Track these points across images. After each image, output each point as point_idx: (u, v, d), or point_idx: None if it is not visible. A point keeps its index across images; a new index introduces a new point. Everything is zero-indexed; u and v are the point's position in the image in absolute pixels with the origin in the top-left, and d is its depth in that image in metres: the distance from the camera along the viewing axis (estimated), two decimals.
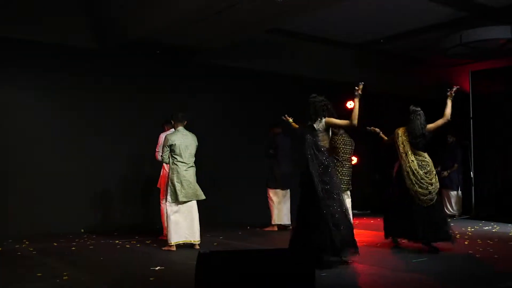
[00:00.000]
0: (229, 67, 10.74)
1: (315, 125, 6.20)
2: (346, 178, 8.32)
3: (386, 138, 7.71)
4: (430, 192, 6.91)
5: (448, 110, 7.06)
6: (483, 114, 11.29)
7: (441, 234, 6.86)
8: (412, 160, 6.99)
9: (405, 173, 6.98)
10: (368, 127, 7.90)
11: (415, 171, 6.94)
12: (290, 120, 7.39)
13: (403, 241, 7.19)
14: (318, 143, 6.13)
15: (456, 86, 7.15)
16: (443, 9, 9.25)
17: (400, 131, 7.20)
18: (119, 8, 8.64)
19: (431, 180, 6.96)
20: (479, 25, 9.69)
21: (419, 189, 6.89)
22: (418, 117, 7.08)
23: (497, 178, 11.08)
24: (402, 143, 7.11)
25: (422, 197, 6.88)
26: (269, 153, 9.18)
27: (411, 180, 6.94)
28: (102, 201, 9.34)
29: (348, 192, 8.46)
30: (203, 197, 7.21)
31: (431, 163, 7.07)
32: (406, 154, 7.05)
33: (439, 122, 7.12)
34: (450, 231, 6.88)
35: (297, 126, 7.33)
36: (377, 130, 7.88)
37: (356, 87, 6.25)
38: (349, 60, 12.20)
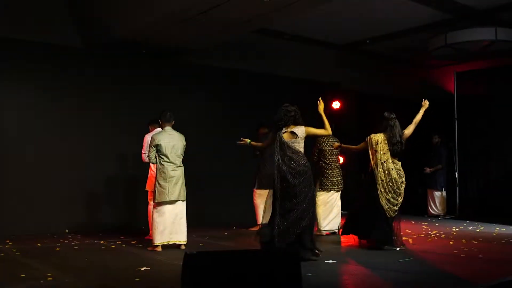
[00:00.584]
0: (217, 68, 10.74)
1: (295, 130, 6.29)
2: (337, 178, 8.38)
3: (353, 147, 7.70)
4: (398, 204, 7.00)
5: (419, 117, 7.25)
6: (467, 115, 11.38)
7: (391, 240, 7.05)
8: (392, 169, 7.01)
9: (380, 181, 6.99)
10: (335, 145, 8.07)
11: (393, 180, 6.97)
12: (248, 141, 7.26)
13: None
14: (295, 148, 6.27)
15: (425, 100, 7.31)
16: (428, 10, 9.32)
17: (380, 138, 7.13)
18: (108, 8, 8.61)
19: (402, 190, 7.06)
20: (463, 27, 9.79)
21: (391, 199, 6.95)
22: (397, 123, 7.13)
23: (481, 178, 11.17)
24: (382, 150, 7.09)
25: (392, 207, 6.95)
26: (255, 153, 9.16)
27: (385, 188, 6.97)
28: (87, 201, 9.27)
29: (339, 194, 8.49)
30: (184, 198, 7.19)
31: (403, 173, 7.14)
32: (385, 162, 7.03)
33: (411, 128, 7.24)
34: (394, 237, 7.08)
35: (258, 143, 7.29)
36: (336, 144, 8.06)
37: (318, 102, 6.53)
38: (336, 61, 12.25)
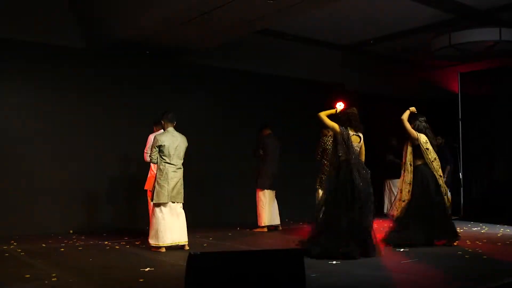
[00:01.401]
0: (217, 68, 10.70)
1: (360, 135, 6.52)
2: None
3: (407, 124, 7.41)
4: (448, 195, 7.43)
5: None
6: (471, 115, 11.36)
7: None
8: (438, 167, 7.27)
9: (438, 176, 7.22)
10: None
11: (441, 176, 7.28)
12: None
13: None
14: (356, 152, 6.46)
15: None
16: (428, 10, 9.30)
17: (425, 138, 7.31)
18: (109, 8, 8.58)
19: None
20: (464, 27, 9.77)
21: (448, 192, 7.33)
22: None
23: (485, 179, 11.14)
24: (433, 150, 7.30)
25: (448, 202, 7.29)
26: (259, 153, 9.11)
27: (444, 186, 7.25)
28: (91, 202, 9.23)
29: None
30: (182, 200, 7.14)
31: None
32: (435, 160, 7.28)
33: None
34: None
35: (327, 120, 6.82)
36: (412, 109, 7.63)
37: None
38: (338, 61, 12.21)
